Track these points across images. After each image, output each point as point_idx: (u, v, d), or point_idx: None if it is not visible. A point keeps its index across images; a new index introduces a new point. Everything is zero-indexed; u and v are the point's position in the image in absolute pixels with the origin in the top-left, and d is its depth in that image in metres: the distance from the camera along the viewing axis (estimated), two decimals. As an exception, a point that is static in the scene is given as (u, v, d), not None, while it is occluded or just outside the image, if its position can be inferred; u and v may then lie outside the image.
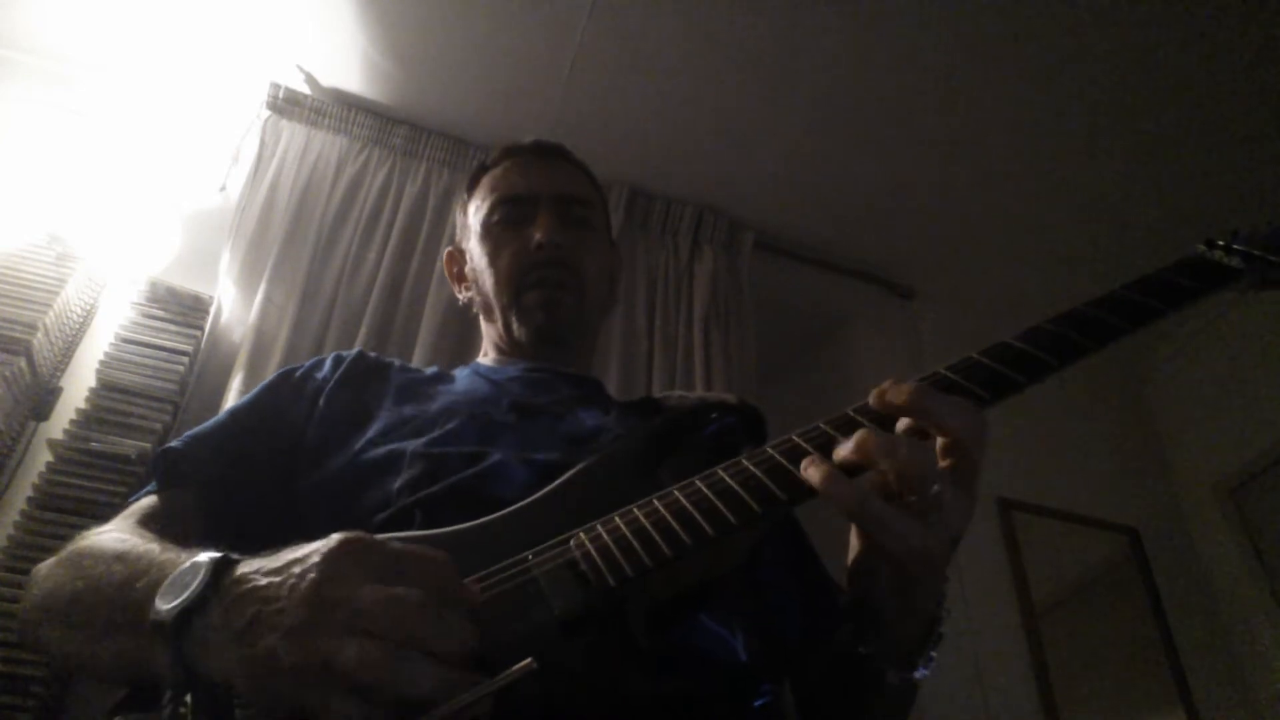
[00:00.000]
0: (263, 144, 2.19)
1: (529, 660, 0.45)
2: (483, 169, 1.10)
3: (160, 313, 1.90)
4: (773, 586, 0.77)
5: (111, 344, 1.83)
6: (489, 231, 1.01)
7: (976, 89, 2.17)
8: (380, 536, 0.60)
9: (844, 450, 0.53)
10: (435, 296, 2.05)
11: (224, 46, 2.18)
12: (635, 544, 0.54)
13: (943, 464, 0.54)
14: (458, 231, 1.13)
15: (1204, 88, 2.11)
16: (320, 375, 0.90)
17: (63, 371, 1.83)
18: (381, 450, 0.76)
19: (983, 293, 2.69)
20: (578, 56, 2.12)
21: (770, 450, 0.57)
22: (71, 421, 1.71)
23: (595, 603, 0.53)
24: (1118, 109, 2.18)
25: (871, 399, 0.55)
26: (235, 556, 0.51)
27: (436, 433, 0.78)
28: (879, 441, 0.52)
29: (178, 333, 1.89)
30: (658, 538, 0.53)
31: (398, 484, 0.72)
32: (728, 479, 0.56)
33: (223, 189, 2.16)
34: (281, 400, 0.87)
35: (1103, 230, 2.50)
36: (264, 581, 0.47)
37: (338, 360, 0.93)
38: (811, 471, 0.53)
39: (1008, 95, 2.18)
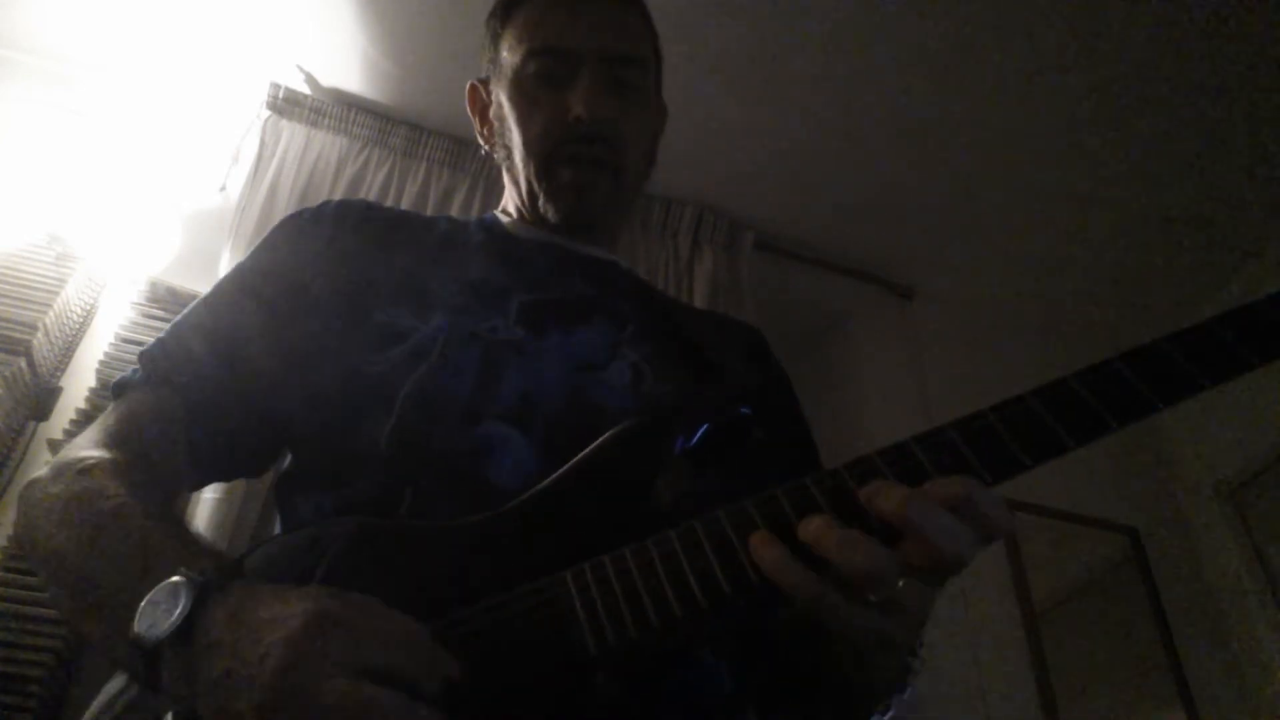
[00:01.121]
0: (263, 144, 2.19)
1: None
2: None
3: (160, 313, 1.90)
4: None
5: (111, 344, 1.83)
6: (521, 84, 0.88)
7: (977, 89, 2.17)
8: (375, 526, 0.58)
9: (805, 534, 0.49)
10: (435, 296, 2.05)
11: (224, 46, 2.18)
12: (623, 607, 0.51)
13: (916, 568, 0.49)
14: (484, 63, 0.98)
15: (1205, 88, 2.11)
16: (322, 234, 0.83)
17: (63, 371, 1.83)
18: (373, 371, 0.71)
19: (983, 293, 2.69)
20: (578, 56, 2.12)
21: (781, 497, 0.52)
22: (71, 421, 1.71)
23: (571, 664, 0.51)
24: (1118, 109, 2.18)
25: (862, 495, 0.50)
26: (215, 582, 0.50)
27: (433, 360, 0.72)
28: (839, 540, 0.48)
29: (178, 333, 1.89)
30: (647, 603, 0.51)
31: (386, 430, 0.68)
32: (729, 533, 0.52)
33: (223, 189, 2.16)
34: (278, 279, 0.80)
35: (1102, 231, 2.50)
36: (236, 636, 0.47)
37: (341, 215, 0.85)
38: (764, 553, 0.50)
39: (1008, 95, 2.18)
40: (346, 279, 0.79)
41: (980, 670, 2.06)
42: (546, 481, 0.61)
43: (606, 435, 0.63)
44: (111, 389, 0.76)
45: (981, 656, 2.07)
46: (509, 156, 0.91)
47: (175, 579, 0.50)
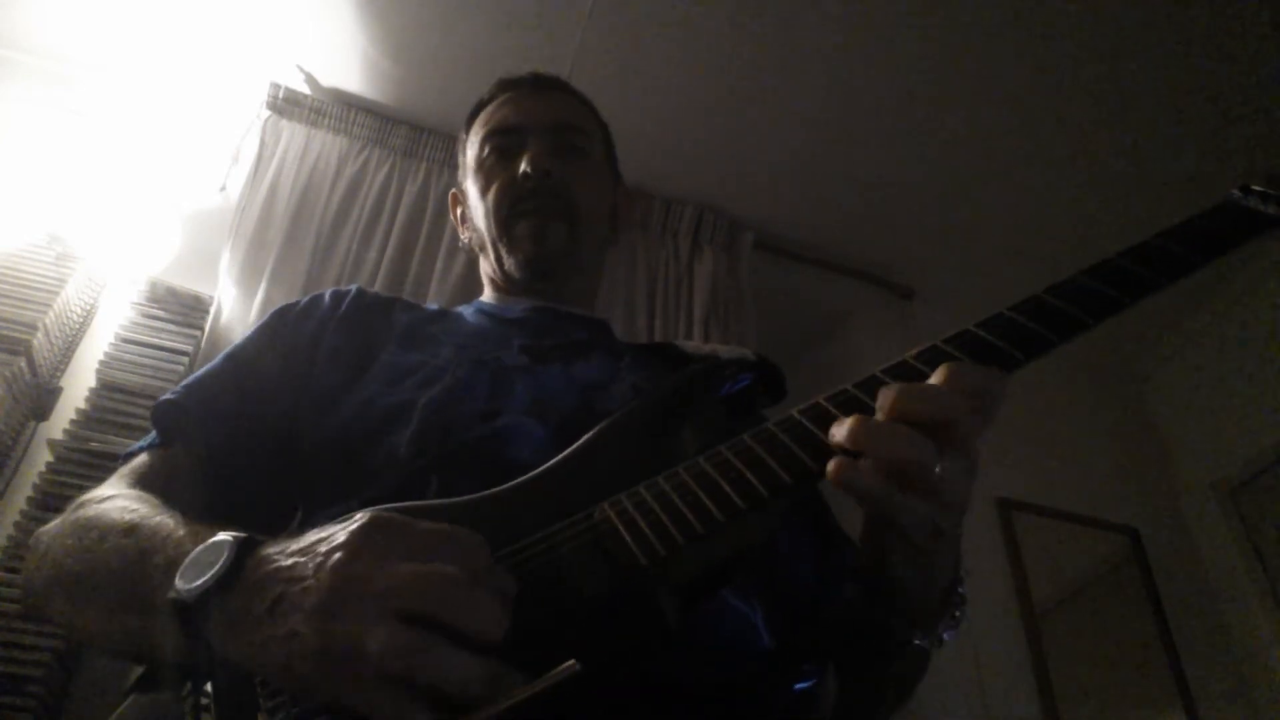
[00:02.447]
0: (263, 144, 2.19)
1: (571, 663, 0.43)
2: (480, 105, 1.06)
3: (160, 313, 1.90)
4: (788, 548, 0.75)
5: (111, 344, 1.83)
6: (481, 166, 0.99)
7: (976, 89, 2.17)
8: (404, 506, 0.58)
9: (839, 435, 0.51)
10: (435, 297, 2.05)
11: (224, 46, 2.18)
12: (665, 519, 0.52)
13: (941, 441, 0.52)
14: (459, 171, 1.10)
15: (1205, 89, 2.11)
16: (320, 313, 0.87)
17: (63, 371, 1.83)
18: (389, 401, 0.74)
19: (983, 293, 2.69)
20: (577, 57, 2.12)
21: (798, 416, 0.55)
22: (71, 421, 1.71)
23: (624, 582, 0.51)
24: (1118, 109, 2.18)
25: (879, 402, 0.52)
26: (259, 538, 0.50)
27: (447, 381, 0.75)
28: (873, 430, 0.50)
29: (178, 333, 1.89)
30: (687, 512, 0.52)
31: (406, 437, 0.69)
32: (756, 447, 0.54)
33: (223, 189, 2.16)
34: (281, 342, 0.84)
35: (1102, 231, 2.50)
36: (289, 561, 0.46)
37: (337, 297, 0.89)
38: (842, 427, 0.51)
39: (1008, 95, 2.18)
40: (352, 334, 0.84)
41: (980, 670, 2.06)
42: (579, 443, 0.63)
43: (636, 401, 0.66)
44: (120, 459, 0.78)
45: (981, 656, 2.07)
46: (478, 234, 1.00)
47: (219, 537, 0.50)
